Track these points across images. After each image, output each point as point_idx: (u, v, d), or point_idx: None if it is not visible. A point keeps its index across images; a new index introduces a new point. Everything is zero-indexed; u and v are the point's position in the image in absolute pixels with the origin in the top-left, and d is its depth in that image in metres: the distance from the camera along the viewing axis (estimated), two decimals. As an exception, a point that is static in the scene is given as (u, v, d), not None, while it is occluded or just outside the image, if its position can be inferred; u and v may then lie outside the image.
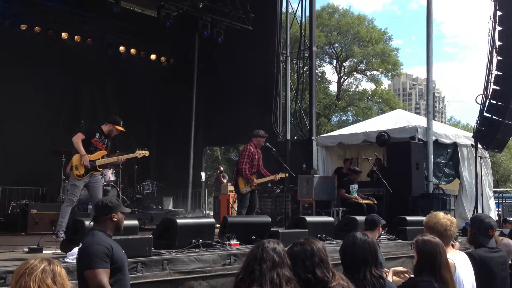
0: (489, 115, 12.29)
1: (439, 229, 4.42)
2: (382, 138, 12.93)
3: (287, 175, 10.73)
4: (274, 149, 10.57)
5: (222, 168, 18.86)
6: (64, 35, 15.16)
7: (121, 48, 16.50)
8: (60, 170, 11.88)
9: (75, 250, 5.01)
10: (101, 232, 4.21)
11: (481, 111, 12.36)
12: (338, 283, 3.22)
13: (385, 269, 4.43)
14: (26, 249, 6.30)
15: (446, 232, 4.43)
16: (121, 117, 8.89)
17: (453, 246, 4.67)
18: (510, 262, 5.08)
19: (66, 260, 5.39)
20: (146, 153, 9.31)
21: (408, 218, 9.62)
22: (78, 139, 8.38)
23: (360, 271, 3.54)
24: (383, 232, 9.35)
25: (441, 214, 4.57)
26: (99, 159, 8.48)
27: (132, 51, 16.80)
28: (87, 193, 11.97)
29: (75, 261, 4.74)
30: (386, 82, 53.50)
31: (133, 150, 11.91)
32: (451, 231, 4.46)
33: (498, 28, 12.29)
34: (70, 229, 6.45)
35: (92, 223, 4.42)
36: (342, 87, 42.15)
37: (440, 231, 4.41)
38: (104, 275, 3.92)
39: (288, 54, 16.26)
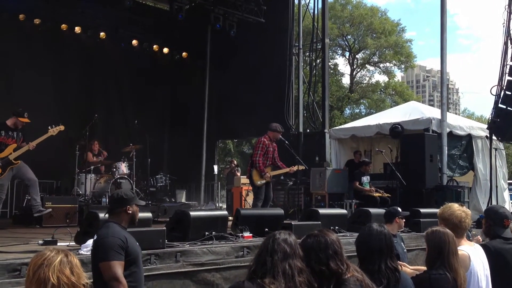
0: (504, 106, 12.15)
1: (454, 221, 4.40)
2: (396, 130, 12.87)
3: (302, 167, 10.74)
4: (287, 142, 10.57)
5: (235, 162, 18.85)
6: (77, 29, 15.21)
7: (134, 42, 16.54)
8: (74, 163, 11.96)
9: (90, 242, 5.04)
10: (116, 224, 4.22)
11: (496, 102, 12.23)
12: (353, 275, 3.21)
13: (400, 262, 4.42)
14: (40, 242, 6.35)
15: (461, 224, 4.41)
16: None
17: (469, 238, 4.64)
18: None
19: (80, 252, 5.43)
20: (61, 127, 9.47)
21: (422, 210, 9.58)
22: None
23: (375, 263, 3.52)
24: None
25: (455, 206, 4.54)
26: (11, 153, 8.83)
27: (145, 44, 16.85)
28: (101, 186, 12.12)
29: (89, 253, 4.78)
30: (399, 74, 53.22)
31: (147, 141, 11.93)
32: (466, 223, 4.44)
33: (513, 18, 12.14)
34: (84, 222, 6.48)
35: (107, 215, 4.44)
36: (355, 79, 41.97)
37: (455, 223, 4.39)
38: (118, 267, 3.94)
39: (301, 47, 16.19)
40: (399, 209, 6.66)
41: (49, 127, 9.34)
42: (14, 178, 9.13)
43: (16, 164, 8.91)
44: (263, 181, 10.05)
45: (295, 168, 10.56)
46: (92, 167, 12.14)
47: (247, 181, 11.06)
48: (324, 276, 3.16)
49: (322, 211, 8.64)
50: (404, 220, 6.69)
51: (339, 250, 3.24)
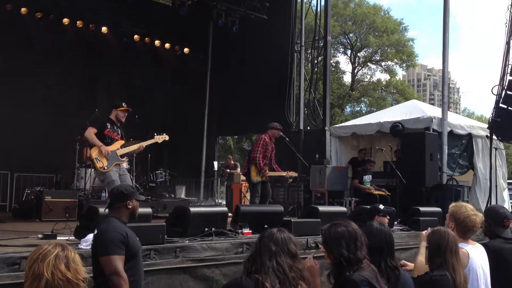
0: (505, 106, 12.14)
1: (468, 224, 4.41)
2: (396, 129, 12.87)
3: (297, 174, 10.79)
4: (287, 139, 10.56)
5: (232, 160, 18.63)
6: (79, 23, 15.21)
7: (136, 37, 16.54)
8: (74, 158, 11.96)
9: (89, 236, 5.05)
10: (116, 219, 4.23)
11: (497, 102, 12.22)
12: (369, 265, 3.33)
13: (403, 262, 4.44)
14: (40, 236, 6.34)
15: (473, 229, 4.45)
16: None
17: None
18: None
19: (80, 246, 5.43)
20: (165, 137, 8.94)
21: (422, 209, 9.56)
22: (90, 133, 8.06)
23: (375, 261, 3.53)
24: (396, 223, 9.33)
25: (470, 208, 4.51)
26: (118, 148, 8.17)
27: (147, 40, 16.84)
28: (98, 180, 12.09)
29: (89, 247, 4.78)
30: (400, 73, 53.13)
31: (145, 137, 11.88)
32: (477, 228, 4.50)
33: (515, 18, 12.11)
34: (84, 216, 6.48)
35: (107, 210, 4.44)
36: (356, 77, 41.95)
37: (468, 226, 4.40)
38: (119, 261, 3.95)
39: (303, 44, 16.15)
40: (380, 207, 6.60)
41: (155, 134, 8.87)
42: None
43: (122, 162, 8.24)
44: (260, 179, 10.02)
45: (290, 173, 10.58)
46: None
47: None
48: (350, 263, 3.24)
49: (321, 208, 8.62)
50: (387, 217, 6.60)
51: (365, 242, 3.36)
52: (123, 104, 8.46)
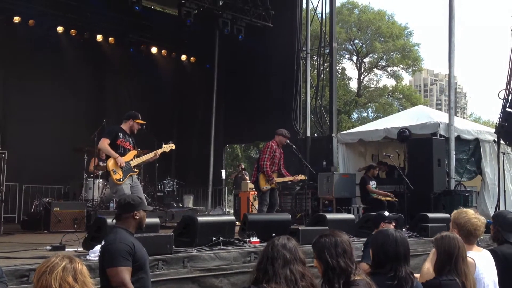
0: (512, 111, 12.10)
1: (469, 228, 4.38)
2: (403, 135, 12.84)
3: (306, 177, 10.73)
4: (294, 146, 10.57)
5: (243, 166, 18.80)
6: (86, 34, 15.31)
7: (142, 47, 16.63)
8: (82, 169, 11.99)
9: (97, 248, 5.05)
10: (124, 230, 4.23)
11: (504, 107, 12.17)
12: (362, 278, 3.25)
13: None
14: (48, 247, 6.37)
15: (476, 232, 4.40)
16: (142, 115, 8.76)
17: (478, 244, 4.61)
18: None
19: (88, 257, 5.44)
20: (172, 146, 8.96)
21: (430, 215, 9.52)
22: (105, 144, 8.03)
23: (389, 268, 3.52)
24: (404, 229, 9.28)
25: (471, 212, 4.50)
26: (132, 159, 8.14)
27: (153, 49, 16.93)
28: (109, 191, 12.11)
29: (97, 259, 4.79)
30: (407, 78, 53.05)
31: (155, 147, 11.96)
32: (480, 231, 4.44)
33: (521, 22, 12.09)
34: (92, 227, 6.49)
35: (114, 221, 4.45)
36: (363, 83, 41.89)
37: (469, 230, 4.37)
38: (126, 273, 3.95)
39: (309, 51, 16.20)
40: (386, 214, 6.57)
41: (163, 143, 8.89)
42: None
43: (135, 173, 8.18)
44: (269, 187, 10.02)
45: (299, 177, 10.54)
46: (100, 172, 12.14)
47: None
48: (334, 272, 3.20)
49: (329, 216, 8.62)
50: (393, 224, 6.57)
51: (348, 249, 3.30)
52: (139, 116, 8.49)
